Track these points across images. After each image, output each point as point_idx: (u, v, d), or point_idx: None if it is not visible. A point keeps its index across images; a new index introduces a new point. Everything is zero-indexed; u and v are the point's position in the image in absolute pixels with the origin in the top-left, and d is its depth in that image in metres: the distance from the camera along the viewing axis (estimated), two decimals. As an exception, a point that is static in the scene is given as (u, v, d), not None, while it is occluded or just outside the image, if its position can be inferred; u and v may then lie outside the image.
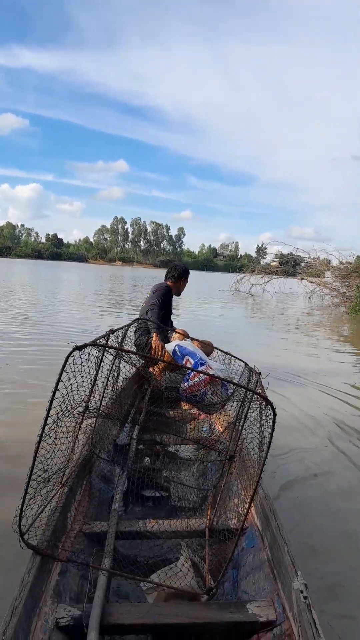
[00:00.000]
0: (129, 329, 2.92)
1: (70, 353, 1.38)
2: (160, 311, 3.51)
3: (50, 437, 1.42)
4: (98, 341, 1.74)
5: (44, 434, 1.32)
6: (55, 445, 1.50)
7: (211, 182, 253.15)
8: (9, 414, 3.48)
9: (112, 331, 2.18)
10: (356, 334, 10.91)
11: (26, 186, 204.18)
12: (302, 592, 1.16)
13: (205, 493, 2.15)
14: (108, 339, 2.06)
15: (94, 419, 2.01)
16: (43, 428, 1.31)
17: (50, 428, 1.39)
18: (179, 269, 3.77)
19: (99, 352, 1.86)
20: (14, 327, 7.73)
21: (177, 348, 2.47)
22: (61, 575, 1.37)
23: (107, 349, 1.94)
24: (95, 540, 1.64)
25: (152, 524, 1.75)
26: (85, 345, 1.45)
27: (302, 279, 21.14)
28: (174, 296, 3.79)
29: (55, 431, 1.48)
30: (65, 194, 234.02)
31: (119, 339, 2.51)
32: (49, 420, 1.33)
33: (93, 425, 2.03)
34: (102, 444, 2.23)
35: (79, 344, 1.41)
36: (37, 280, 24.58)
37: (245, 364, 2.21)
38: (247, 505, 1.46)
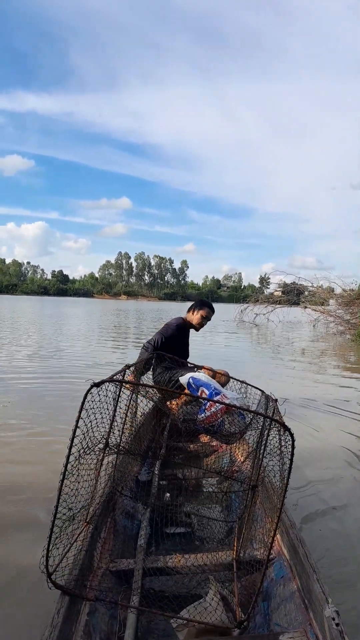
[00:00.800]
0: (145, 364, 2.93)
1: (89, 390, 1.37)
2: (152, 346, 3.50)
3: (73, 475, 1.41)
4: (115, 377, 1.74)
5: (66, 472, 1.31)
6: (79, 483, 1.49)
7: (211, 215, 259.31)
8: (21, 453, 3.44)
9: (128, 366, 2.17)
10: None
11: (32, 224, 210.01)
12: (334, 619, 1.14)
13: (230, 525, 2.13)
14: (124, 374, 2.05)
15: (115, 455, 1.99)
16: (65, 466, 1.30)
17: (72, 466, 1.39)
18: (194, 303, 3.79)
19: (116, 387, 1.85)
20: (23, 362, 7.74)
21: (191, 380, 2.47)
22: (90, 615, 1.36)
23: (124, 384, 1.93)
24: (123, 578, 1.62)
25: (179, 558, 1.73)
26: (102, 382, 1.45)
27: (306, 307, 21.17)
28: (192, 329, 3.73)
29: (78, 469, 1.48)
30: (71, 231, 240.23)
31: (135, 373, 2.50)
32: (71, 459, 1.33)
33: (114, 462, 2.03)
34: (124, 481, 2.22)
35: (96, 381, 1.40)
36: (42, 316, 24.80)
37: (262, 391, 2.20)
38: (271, 535, 1.45)
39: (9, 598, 1.81)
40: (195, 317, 3.63)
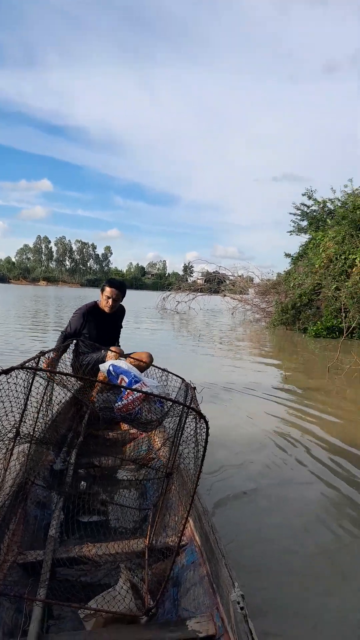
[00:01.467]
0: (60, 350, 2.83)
1: None
2: (64, 333, 3.43)
3: None
4: (27, 364, 1.69)
5: None
6: None
7: (136, 201, 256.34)
8: None
9: (42, 353, 2.09)
10: (276, 347, 11.53)
11: None
12: (239, 603, 1.17)
13: (145, 513, 2.12)
14: (39, 361, 1.99)
15: (27, 444, 1.94)
16: None
17: None
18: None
19: (27, 375, 1.78)
20: None
21: (111, 367, 2.40)
22: None
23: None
24: (31, 571, 1.58)
25: (90, 548, 1.70)
26: (12, 369, 1.41)
27: (225, 295, 21.99)
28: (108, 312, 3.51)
29: None
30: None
31: (49, 360, 2.40)
32: None
33: (27, 451, 1.98)
34: (38, 470, 2.17)
35: (4, 367, 1.37)
36: None
37: (182, 379, 2.20)
38: (183, 520, 1.46)
39: None
40: (101, 299, 3.48)
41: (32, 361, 1.91)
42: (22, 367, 1.52)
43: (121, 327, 3.81)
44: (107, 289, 3.44)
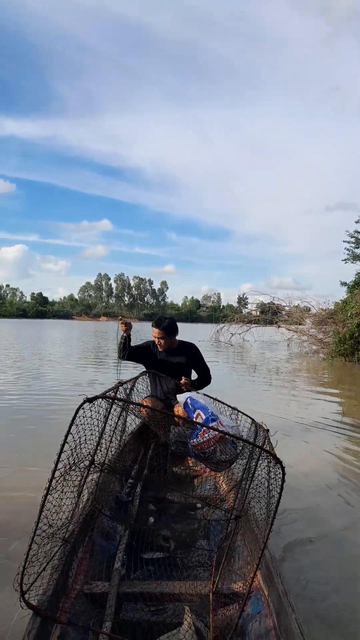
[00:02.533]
0: (137, 382, 2.89)
1: (81, 405, 1.37)
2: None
3: (56, 492, 1.39)
4: (107, 394, 1.73)
5: (50, 488, 1.29)
6: (62, 500, 1.47)
7: (190, 237, 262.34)
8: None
9: (120, 383, 2.13)
10: (335, 379, 11.12)
11: (11, 247, 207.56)
12: None
13: (209, 554, 2.09)
14: (117, 391, 2.02)
15: (98, 473, 1.97)
16: (50, 481, 1.29)
17: (57, 482, 1.37)
18: None
19: (107, 404, 1.83)
20: (4, 386, 7.72)
21: (189, 400, 2.38)
22: (61, 638, 1.34)
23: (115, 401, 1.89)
24: (97, 602, 1.59)
25: (155, 585, 1.70)
26: (96, 398, 1.43)
27: (279, 326, 21.66)
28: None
29: (62, 485, 1.46)
30: (51, 254, 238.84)
31: (127, 391, 2.43)
32: (56, 474, 1.31)
33: (97, 480, 2.00)
34: (105, 500, 2.18)
35: (89, 396, 1.40)
36: (21, 338, 24.48)
37: (252, 420, 2.15)
38: (253, 569, 1.42)
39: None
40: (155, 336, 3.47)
41: (112, 391, 1.92)
42: (104, 396, 1.54)
43: (198, 367, 3.58)
44: (153, 330, 3.42)
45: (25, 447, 4.26)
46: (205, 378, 3.58)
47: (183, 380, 3.20)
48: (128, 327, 3.30)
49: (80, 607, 1.53)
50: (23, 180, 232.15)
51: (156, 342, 3.45)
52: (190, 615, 1.51)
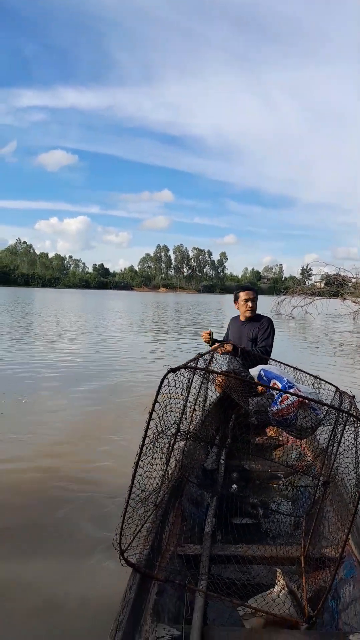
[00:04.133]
0: (215, 353, 2.93)
1: (165, 375, 1.43)
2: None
3: (147, 458, 1.45)
4: (189, 364, 1.79)
5: (141, 454, 1.36)
6: (152, 466, 1.54)
7: (251, 206, 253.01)
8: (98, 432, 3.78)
9: (200, 354, 2.19)
10: None
11: (74, 219, 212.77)
12: None
13: (297, 520, 2.11)
14: (197, 362, 2.07)
15: (184, 442, 2.04)
16: (141, 448, 1.35)
17: (147, 448, 1.43)
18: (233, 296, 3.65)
19: (189, 374, 1.89)
20: (80, 352, 8.26)
21: (262, 372, 2.38)
22: (159, 595, 1.40)
23: (196, 371, 1.96)
24: (191, 562, 1.65)
25: (245, 549, 1.74)
26: (179, 368, 1.49)
27: (345, 299, 20.64)
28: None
29: (152, 452, 1.53)
30: (112, 225, 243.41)
31: (207, 362, 2.50)
32: (146, 441, 1.38)
33: (183, 448, 2.07)
34: (192, 468, 2.26)
35: (173, 367, 1.46)
36: (95, 308, 25.64)
37: (336, 387, 2.14)
38: (344, 535, 1.44)
39: (84, 569, 1.99)
40: (240, 306, 3.48)
41: (193, 362, 1.96)
42: (187, 366, 1.59)
43: (268, 342, 3.45)
44: (242, 294, 3.43)
45: (113, 414, 4.54)
46: (262, 350, 3.34)
47: (227, 346, 3.06)
48: (210, 337, 3.23)
49: (176, 566, 1.61)
50: (84, 152, 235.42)
51: (246, 308, 3.43)
52: (283, 576, 1.53)
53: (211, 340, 3.23)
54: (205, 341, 3.21)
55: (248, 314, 3.43)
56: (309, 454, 2.64)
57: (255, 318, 3.46)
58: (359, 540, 1.64)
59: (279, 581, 1.51)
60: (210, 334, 3.25)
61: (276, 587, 1.48)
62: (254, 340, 3.41)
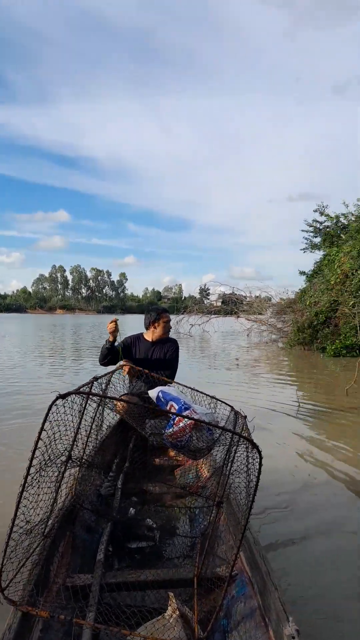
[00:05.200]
0: (113, 376, 2.88)
1: (54, 402, 1.38)
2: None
3: (32, 488, 1.39)
4: (82, 389, 1.77)
5: (26, 484, 1.31)
6: (38, 495, 1.47)
7: (151, 227, 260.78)
8: None
9: (95, 378, 2.16)
10: (294, 368, 11.17)
11: None
12: (293, 638, 1.15)
13: (193, 541, 2.12)
14: (92, 386, 2.05)
15: (77, 468, 1.99)
16: (25, 478, 1.31)
17: (32, 478, 1.38)
18: (148, 317, 3.57)
19: (82, 399, 1.84)
20: None
21: (160, 394, 2.38)
22: (44, 632, 1.36)
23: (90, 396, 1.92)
24: (80, 594, 1.59)
25: (138, 574, 1.71)
26: (69, 394, 1.48)
27: (238, 317, 21.71)
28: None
29: (39, 481, 1.47)
30: (3, 246, 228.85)
31: (103, 386, 2.49)
32: (32, 470, 1.33)
33: (76, 475, 2.02)
34: (86, 494, 2.21)
35: (62, 392, 1.43)
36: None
37: (231, 407, 2.18)
38: (233, 554, 1.47)
39: None
40: (160, 327, 3.47)
41: (86, 386, 1.93)
42: (77, 392, 1.58)
43: (176, 364, 3.54)
44: (165, 316, 3.48)
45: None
46: (169, 372, 3.47)
47: (127, 365, 3.11)
48: (116, 331, 3.17)
49: (63, 600, 1.54)
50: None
51: (165, 330, 3.50)
52: (174, 600, 1.52)
53: (116, 332, 3.15)
54: (110, 332, 3.13)
55: (166, 335, 3.51)
56: (205, 474, 2.65)
57: (164, 339, 3.53)
58: (251, 557, 1.64)
59: (170, 605, 1.49)
60: (116, 322, 3.19)
61: (168, 611, 1.47)
62: (162, 360, 3.47)
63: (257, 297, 21.86)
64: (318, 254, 17.95)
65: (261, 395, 6.85)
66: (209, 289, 31.34)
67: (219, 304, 24.58)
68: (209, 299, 31.20)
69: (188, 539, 2.17)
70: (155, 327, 3.49)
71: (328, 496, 3.14)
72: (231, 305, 22.70)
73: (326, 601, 2.01)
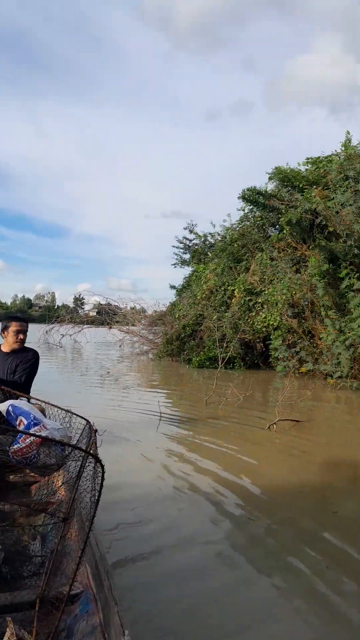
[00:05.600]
0: None
1: None
2: None
3: None
4: None
5: None
6: None
7: (23, 232, 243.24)
8: None
9: None
10: (163, 378, 11.54)
11: None
12: None
13: (42, 560, 2.03)
14: None
15: None
16: None
17: None
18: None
19: None
20: None
21: (10, 408, 2.26)
22: None
23: None
24: None
25: None
26: None
27: (111, 327, 21.68)
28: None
29: None
30: None
31: None
32: None
33: None
34: None
35: None
36: None
37: (87, 421, 2.14)
38: (72, 570, 1.44)
39: None
40: (9, 337, 3.27)
41: None
42: None
43: (30, 376, 3.34)
44: (13, 325, 3.26)
45: None
46: (19, 381, 3.27)
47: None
48: None
49: None
50: None
51: (16, 339, 3.27)
52: (12, 625, 1.46)
53: None
54: None
55: (16, 346, 3.30)
56: (61, 490, 2.58)
57: (22, 350, 3.35)
58: (96, 573, 1.64)
59: (7, 630, 1.44)
60: None
61: (5, 638, 1.41)
62: (17, 373, 3.30)
63: (132, 308, 22.15)
64: (187, 270, 19.03)
65: (129, 405, 6.89)
66: (83, 299, 30.56)
67: (94, 314, 24.22)
68: (83, 308, 30.48)
69: (37, 559, 2.10)
70: (5, 337, 3.32)
71: (182, 509, 3.19)
72: (105, 315, 22.54)
73: (169, 617, 2.03)
